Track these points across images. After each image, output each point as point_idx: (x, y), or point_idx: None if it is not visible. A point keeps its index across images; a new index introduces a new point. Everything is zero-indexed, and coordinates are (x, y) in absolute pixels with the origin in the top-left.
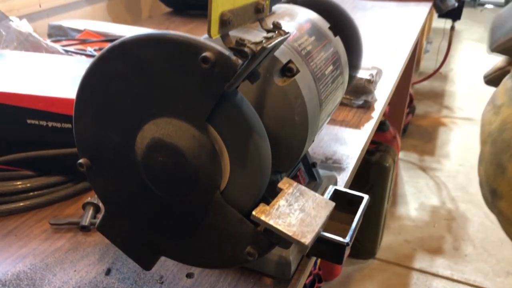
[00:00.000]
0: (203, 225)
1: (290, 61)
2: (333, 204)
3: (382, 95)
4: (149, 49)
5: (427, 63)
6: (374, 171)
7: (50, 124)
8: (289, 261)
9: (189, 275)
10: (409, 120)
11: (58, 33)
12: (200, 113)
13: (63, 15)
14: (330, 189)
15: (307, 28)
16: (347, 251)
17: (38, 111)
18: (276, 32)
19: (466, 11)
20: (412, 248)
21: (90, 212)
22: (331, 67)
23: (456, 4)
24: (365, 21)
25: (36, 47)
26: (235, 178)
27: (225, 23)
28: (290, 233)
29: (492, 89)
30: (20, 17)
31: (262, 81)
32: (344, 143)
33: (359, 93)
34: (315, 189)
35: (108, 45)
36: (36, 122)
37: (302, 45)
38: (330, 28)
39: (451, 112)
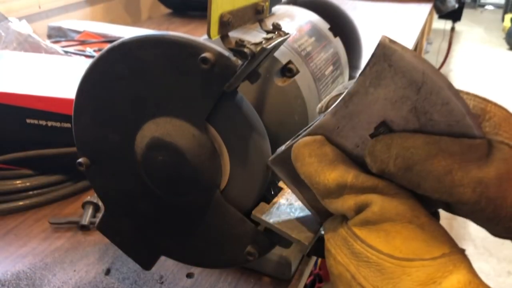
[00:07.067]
0: (203, 224)
1: (290, 62)
2: None
3: None
4: (148, 50)
5: None
6: None
7: (49, 123)
8: (289, 261)
9: (189, 275)
10: None
11: (57, 34)
12: (200, 112)
13: (62, 16)
14: None
15: (307, 29)
16: None
17: (37, 110)
18: (276, 33)
19: (466, 12)
20: None
21: (90, 211)
22: (331, 68)
23: (456, 5)
24: (365, 22)
25: (35, 48)
26: (235, 177)
27: (224, 24)
28: (290, 233)
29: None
30: (20, 18)
31: (262, 81)
32: None
33: None
34: None
35: (107, 46)
36: (36, 122)
37: (302, 46)
38: (330, 29)
39: None
